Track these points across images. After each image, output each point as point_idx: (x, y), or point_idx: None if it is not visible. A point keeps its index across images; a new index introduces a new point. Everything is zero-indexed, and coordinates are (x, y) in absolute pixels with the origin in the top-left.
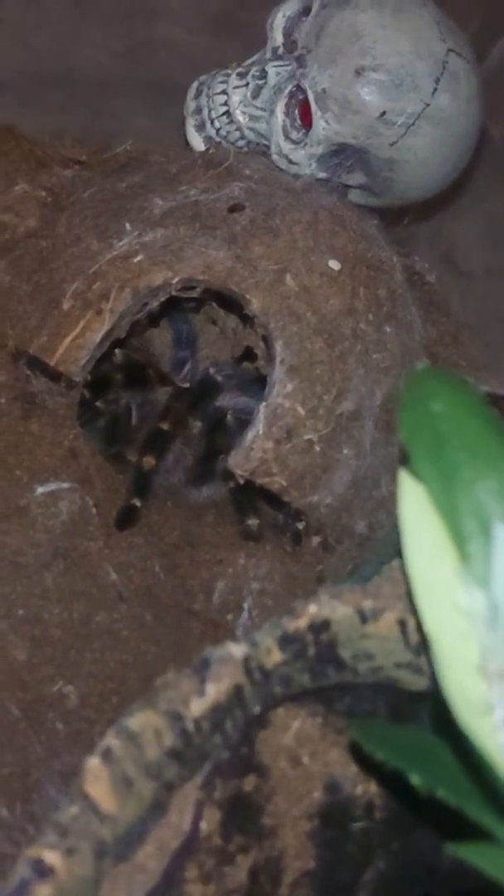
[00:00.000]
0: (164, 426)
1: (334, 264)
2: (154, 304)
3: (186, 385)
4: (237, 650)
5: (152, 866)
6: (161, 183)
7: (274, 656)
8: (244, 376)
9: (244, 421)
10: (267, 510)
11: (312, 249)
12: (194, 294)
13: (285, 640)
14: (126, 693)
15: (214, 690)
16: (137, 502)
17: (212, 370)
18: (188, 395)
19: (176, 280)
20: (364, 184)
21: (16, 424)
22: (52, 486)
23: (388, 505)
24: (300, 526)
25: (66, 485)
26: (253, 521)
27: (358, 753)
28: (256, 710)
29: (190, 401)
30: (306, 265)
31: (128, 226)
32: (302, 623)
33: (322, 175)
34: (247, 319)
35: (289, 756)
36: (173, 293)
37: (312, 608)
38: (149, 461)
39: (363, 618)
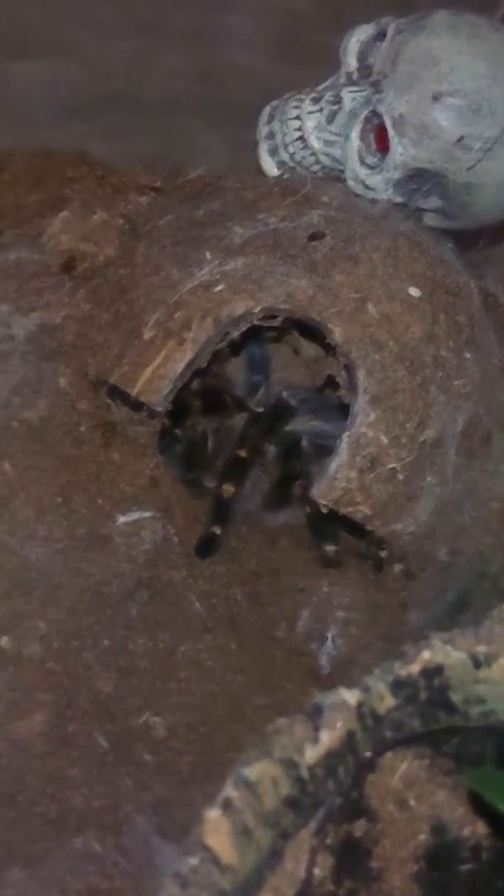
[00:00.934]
0: (243, 453)
1: (414, 291)
2: (236, 334)
3: (260, 409)
4: (350, 696)
5: None
6: (239, 210)
7: (386, 702)
8: (317, 400)
9: (319, 445)
10: (345, 535)
11: (392, 276)
12: (276, 323)
13: (398, 686)
14: (213, 723)
15: (328, 737)
16: (218, 530)
17: (285, 394)
18: (262, 419)
19: (258, 309)
20: (440, 207)
21: (97, 453)
22: (134, 516)
23: (470, 531)
24: (383, 554)
25: (147, 514)
26: (331, 548)
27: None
28: (367, 755)
29: (264, 425)
30: (387, 293)
31: (208, 254)
32: (415, 669)
33: (398, 200)
34: (329, 348)
35: (396, 799)
36: (255, 322)
37: (426, 654)
38: (228, 489)
39: (476, 663)
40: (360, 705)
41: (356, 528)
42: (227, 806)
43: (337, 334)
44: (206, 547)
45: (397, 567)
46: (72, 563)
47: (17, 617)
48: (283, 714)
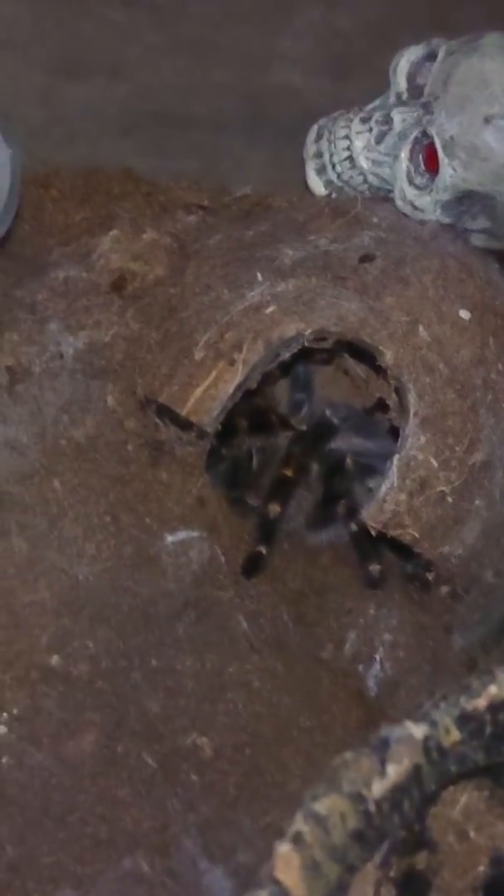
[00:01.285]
0: (288, 472)
1: (464, 314)
2: (286, 355)
3: (304, 427)
4: (417, 730)
5: None
6: (289, 231)
7: (452, 736)
8: (359, 417)
9: (363, 464)
10: (388, 554)
11: (443, 299)
12: (326, 345)
13: (463, 720)
14: (259, 744)
15: (395, 771)
16: (263, 550)
17: (328, 412)
18: (306, 438)
19: (309, 332)
20: (487, 228)
21: (144, 472)
22: (181, 535)
23: None
24: (430, 576)
25: (195, 533)
26: (375, 567)
27: None
28: (432, 788)
29: (308, 444)
30: (437, 315)
31: (259, 276)
32: (481, 703)
33: (446, 221)
34: (379, 370)
35: (456, 830)
36: (306, 344)
37: (493, 689)
38: (274, 508)
39: None
40: (426, 739)
41: (403, 550)
42: (297, 840)
43: (388, 357)
44: (253, 567)
45: (443, 589)
46: (120, 583)
47: (66, 636)
48: (329, 736)
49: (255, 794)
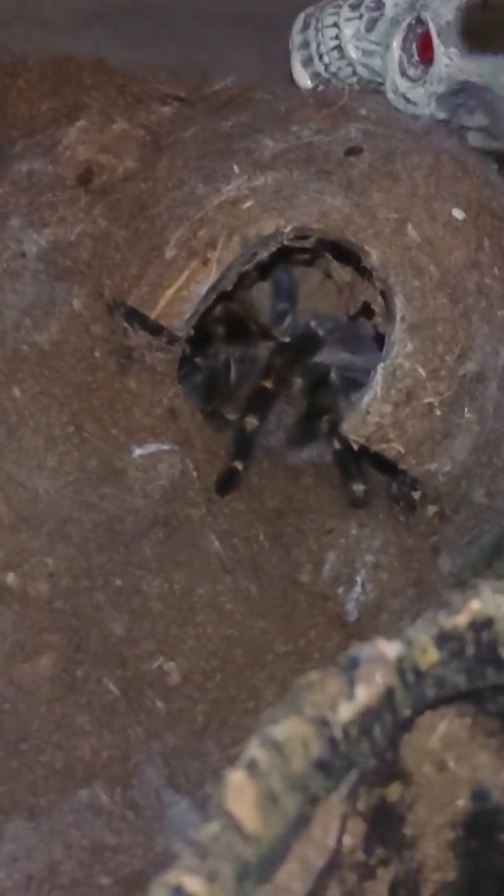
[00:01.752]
0: (268, 384)
1: (458, 213)
2: (264, 255)
3: (286, 339)
4: (390, 649)
5: (296, 888)
6: (270, 122)
7: (429, 656)
8: (347, 330)
9: (348, 379)
10: (374, 474)
11: (435, 197)
12: (308, 244)
13: (443, 639)
14: (230, 670)
15: (365, 694)
16: (239, 465)
17: (313, 323)
18: (289, 350)
19: (289, 229)
20: (485, 126)
21: (112, 380)
22: (151, 448)
23: None
24: (416, 495)
25: (165, 446)
26: (359, 487)
27: None
28: (407, 713)
29: (290, 356)
30: (429, 214)
31: (236, 168)
32: (462, 620)
33: (441, 116)
34: (364, 272)
35: (434, 761)
36: (285, 243)
37: (475, 604)
38: (251, 422)
39: None
40: (400, 659)
41: (388, 467)
42: (251, 768)
43: (374, 257)
44: (227, 483)
45: (430, 509)
46: (83, 497)
47: (23, 553)
48: (306, 662)
49: (225, 722)
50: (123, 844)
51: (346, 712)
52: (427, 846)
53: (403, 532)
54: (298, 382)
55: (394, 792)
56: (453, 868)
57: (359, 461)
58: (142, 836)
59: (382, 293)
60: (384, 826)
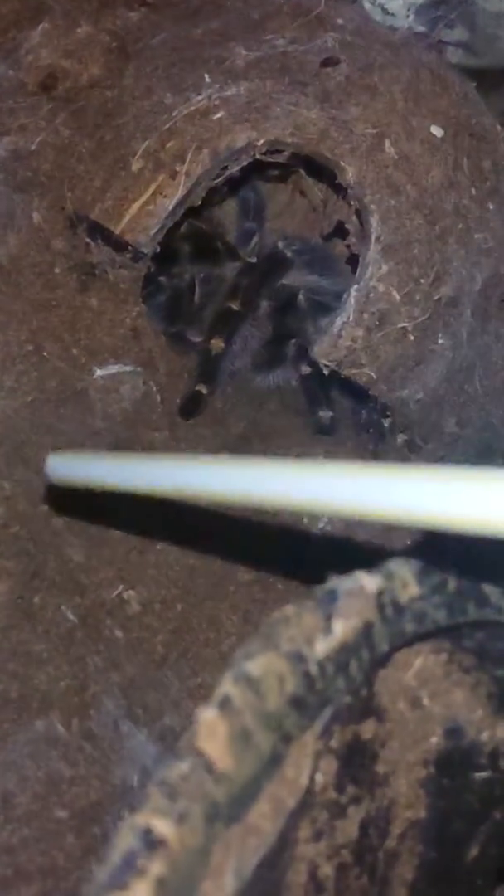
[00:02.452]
0: (234, 306)
1: (436, 130)
2: (235, 169)
3: (254, 260)
4: (370, 583)
5: (266, 827)
6: (242, 30)
7: (410, 590)
8: (316, 252)
9: (317, 302)
10: (340, 401)
11: (413, 112)
12: (281, 159)
13: (425, 573)
14: (191, 600)
15: (342, 629)
16: (204, 389)
17: (281, 244)
18: (256, 271)
19: (261, 142)
20: (465, 41)
21: (72, 298)
22: (112, 369)
23: (481, 401)
24: (386, 423)
25: (127, 367)
26: (326, 413)
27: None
28: (384, 649)
29: (257, 277)
30: (406, 130)
31: (206, 77)
32: None
33: (420, 28)
34: (339, 190)
35: (408, 697)
36: (257, 157)
37: None
38: (217, 344)
39: None
40: (380, 593)
41: (357, 394)
42: (224, 705)
43: (350, 174)
44: (191, 407)
45: (400, 438)
46: (42, 419)
47: None
48: (269, 592)
49: (185, 653)
50: (80, 776)
51: (322, 648)
52: (399, 784)
53: (371, 461)
54: (265, 305)
55: (368, 729)
56: (424, 806)
57: (326, 387)
58: (99, 768)
59: (357, 212)
60: (357, 764)
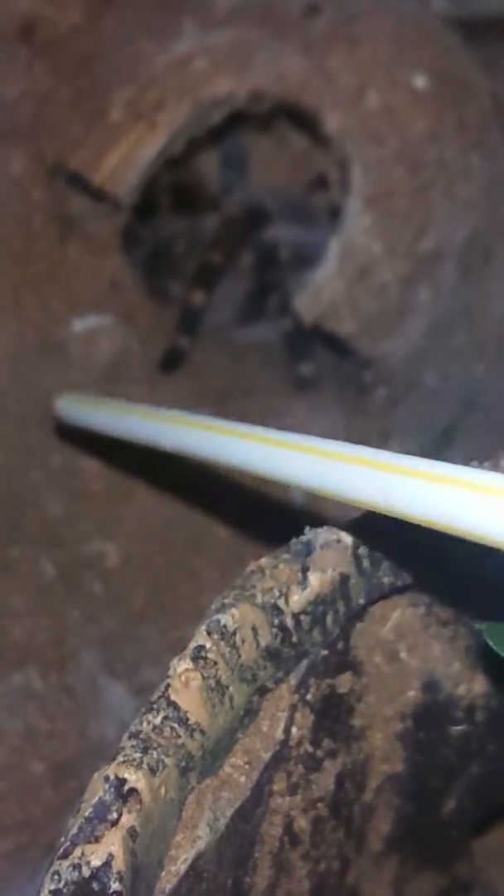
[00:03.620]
0: (216, 258)
1: (420, 81)
2: (216, 119)
3: (235, 212)
4: (346, 534)
5: (241, 780)
6: None
7: None
8: (298, 205)
9: (298, 256)
10: (322, 356)
11: (397, 63)
12: (262, 109)
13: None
14: (170, 553)
15: (318, 581)
16: (184, 342)
17: (263, 196)
18: (237, 223)
19: (243, 91)
20: None
21: (51, 249)
22: (92, 321)
23: (463, 355)
24: (367, 377)
25: (107, 320)
26: (307, 367)
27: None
28: (361, 602)
29: (238, 230)
30: (390, 80)
31: (187, 25)
32: None
33: None
34: (321, 140)
35: (385, 650)
36: (239, 107)
37: None
38: (198, 297)
39: None
40: (356, 545)
41: (338, 347)
42: (198, 657)
43: (332, 124)
44: (172, 361)
45: (381, 392)
46: (20, 372)
47: None
48: (248, 546)
49: (164, 606)
50: (57, 730)
51: (298, 600)
52: (375, 738)
53: (353, 415)
54: (246, 258)
55: (344, 683)
56: (401, 760)
57: (308, 341)
58: (76, 722)
59: (339, 163)
60: (333, 717)
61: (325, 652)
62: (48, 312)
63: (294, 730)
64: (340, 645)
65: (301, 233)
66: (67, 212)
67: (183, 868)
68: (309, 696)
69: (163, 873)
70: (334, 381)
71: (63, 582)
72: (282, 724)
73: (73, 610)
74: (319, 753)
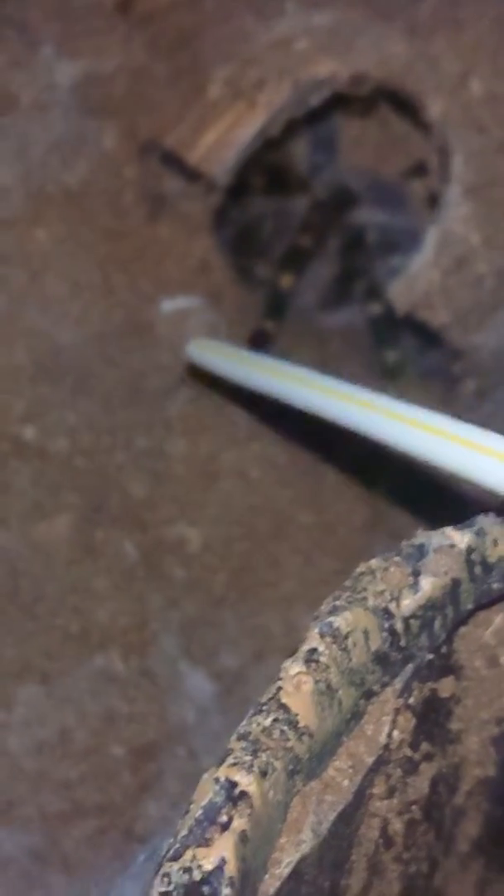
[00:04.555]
0: (304, 241)
1: None
2: (316, 101)
3: (326, 195)
4: (461, 539)
5: (344, 784)
6: None
7: (500, 548)
8: (387, 189)
9: (386, 241)
10: (410, 344)
11: (501, 49)
12: (363, 92)
13: None
14: (253, 539)
15: (430, 585)
16: (271, 326)
17: (350, 179)
18: (325, 206)
19: (345, 74)
20: None
21: (142, 228)
22: (180, 302)
23: None
24: (457, 369)
25: (196, 301)
26: (394, 355)
27: None
28: (469, 607)
29: (328, 213)
30: (494, 68)
31: (290, 5)
32: None
33: None
34: (422, 127)
35: (485, 655)
36: (340, 89)
37: None
38: (287, 280)
39: None
40: (469, 550)
41: (429, 337)
42: (310, 660)
43: (434, 110)
44: (258, 343)
45: (470, 384)
46: (107, 350)
47: (43, 405)
48: (330, 536)
49: (245, 593)
50: (137, 713)
51: (409, 604)
52: (471, 741)
53: (440, 406)
54: (333, 241)
55: (446, 687)
56: (493, 764)
57: (395, 328)
58: (156, 706)
59: (440, 150)
60: (432, 721)
61: (430, 656)
62: (137, 292)
63: (396, 733)
64: (444, 649)
65: (390, 217)
66: (159, 190)
67: (286, 872)
68: (412, 700)
69: (266, 876)
70: (420, 370)
71: (145, 565)
72: (386, 728)
73: (155, 594)
74: (417, 757)
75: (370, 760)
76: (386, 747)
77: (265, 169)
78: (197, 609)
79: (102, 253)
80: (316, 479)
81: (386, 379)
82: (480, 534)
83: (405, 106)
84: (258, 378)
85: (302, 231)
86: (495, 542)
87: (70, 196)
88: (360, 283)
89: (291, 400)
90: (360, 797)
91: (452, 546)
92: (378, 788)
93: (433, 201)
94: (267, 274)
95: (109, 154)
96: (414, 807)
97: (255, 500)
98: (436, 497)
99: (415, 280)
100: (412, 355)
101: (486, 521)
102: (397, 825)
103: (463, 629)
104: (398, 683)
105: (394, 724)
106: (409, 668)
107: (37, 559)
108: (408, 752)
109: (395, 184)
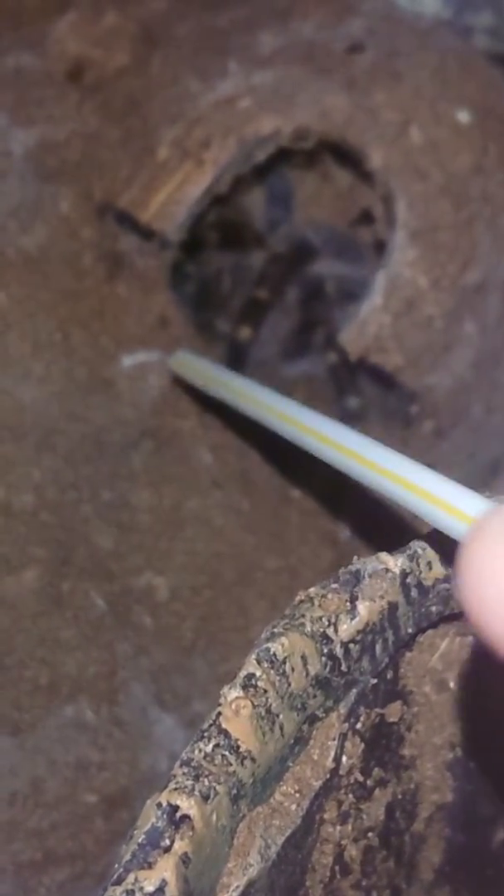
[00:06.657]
0: (262, 294)
1: (463, 116)
2: (261, 157)
3: (281, 248)
4: (394, 563)
5: (292, 809)
6: (268, 18)
7: (435, 571)
8: (343, 240)
9: (344, 291)
10: (369, 389)
11: (440, 98)
12: (307, 146)
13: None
14: (219, 586)
15: (367, 610)
16: None
17: (309, 232)
18: (283, 259)
19: (288, 129)
20: (492, 26)
21: (100, 286)
22: (140, 357)
23: None
24: (413, 410)
25: (155, 356)
26: (354, 400)
27: None
28: (409, 631)
29: (285, 266)
30: (433, 116)
31: (232, 65)
32: None
33: (446, 14)
34: (365, 176)
35: (433, 680)
36: (284, 144)
37: None
38: (245, 332)
39: None
40: (404, 574)
41: (384, 381)
42: (248, 685)
43: (376, 159)
44: None
45: (427, 425)
46: (70, 408)
47: (8, 464)
48: (297, 579)
49: (214, 639)
50: (109, 761)
51: (347, 629)
52: (425, 767)
53: (399, 448)
54: (293, 293)
55: (394, 712)
56: (450, 789)
57: (354, 374)
58: (127, 753)
59: (384, 198)
60: (383, 747)
61: (374, 681)
62: (97, 349)
63: (344, 759)
64: (389, 674)
65: (346, 267)
66: (116, 249)
67: (235, 895)
68: (359, 725)
69: None
70: (380, 414)
71: (113, 615)
72: (332, 753)
73: (124, 642)
74: (370, 782)
75: (317, 785)
76: (334, 772)
77: (219, 224)
78: (166, 656)
79: (63, 312)
80: (280, 524)
81: (349, 423)
82: (413, 558)
83: (348, 157)
84: (229, 395)
85: (259, 284)
86: (430, 566)
87: (29, 259)
88: (318, 333)
89: (259, 418)
90: (311, 822)
91: (387, 570)
92: (329, 814)
93: (381, 248)
94: (226, 327)
95: (66, 217)
96: (370, 833)
97: (221, 548)
98: (400, 533)
99: (365, 325)
100: (373, 400)
101: (419, 545)
102: (353, 851)
103: (408, 654)
104: (342, 708)
105: (341, 749)
106: (353, 693)
107: (4, 612)
108: (359, 777)
109: (350, 235)
